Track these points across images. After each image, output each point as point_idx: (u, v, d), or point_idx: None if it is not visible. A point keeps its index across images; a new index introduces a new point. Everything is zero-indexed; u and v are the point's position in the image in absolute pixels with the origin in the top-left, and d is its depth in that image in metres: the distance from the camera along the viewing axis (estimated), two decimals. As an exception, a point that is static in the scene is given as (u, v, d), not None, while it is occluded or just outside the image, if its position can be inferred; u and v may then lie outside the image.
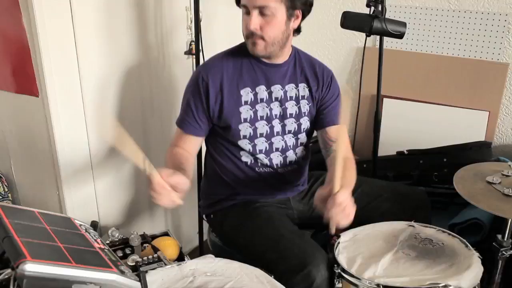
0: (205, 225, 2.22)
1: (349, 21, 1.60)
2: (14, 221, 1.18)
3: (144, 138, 2.17)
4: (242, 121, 1.64)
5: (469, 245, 1.43)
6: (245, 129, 1.64)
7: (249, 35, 1.54)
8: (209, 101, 1.61)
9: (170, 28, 2.18)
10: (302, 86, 1.71)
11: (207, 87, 1.60)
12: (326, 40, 2.80)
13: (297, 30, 1.63)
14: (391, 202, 1.70)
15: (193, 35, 2.15)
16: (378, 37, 2.57)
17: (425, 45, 2.52)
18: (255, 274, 1.36)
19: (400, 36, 1.63)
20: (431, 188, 2.30)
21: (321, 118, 1.75)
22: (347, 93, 1.62)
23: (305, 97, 1.72)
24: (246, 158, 1.70)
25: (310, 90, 1.72)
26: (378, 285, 1.26)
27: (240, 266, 1.40)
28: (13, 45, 1.75)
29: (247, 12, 1.52)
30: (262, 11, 1.49)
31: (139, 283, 1.19)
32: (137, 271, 1.30)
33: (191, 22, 2.21)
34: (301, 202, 1.81)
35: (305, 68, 1.72)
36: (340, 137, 1.48)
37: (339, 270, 1.36)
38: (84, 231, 1.36)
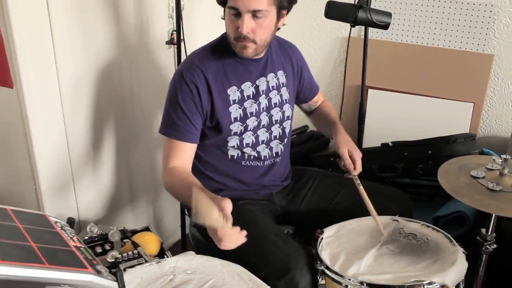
0: (187, 219, 2.20)
1: (333, 11, 1.56)
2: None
3: (126, 132, 2.12)
4: (233, 120, 1.59)
5: (453, 240, 1.41)
6: (236, 127, 1.60)
7: (239, 38, 1.47)
8: (202, 102, 1.55)
9: (150, 16, 2.12)
10: (280, 73, 1.69)
11: (197, 89, 1.54)
12: (310, 29, 2.76)
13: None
14: (375, 204, 1.65)
15: (175, 24, 2.10)
16: (363, 27, 2.55)
17: (410, 35, 2.50)
18: (236, 272, 1.34)
19: (385, 26, 1.59)
20: (415, 180, 2.29)
21: (304, 94, 1.83)
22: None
23: (285, 84, 1.70)
24: (233, 152, 1.66)
25: (287, 76, 1.71)
26: (361, 282, 1.25)
27: (221, 264, 1.37)
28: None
29: (236, 14, 1.45)
30: (254, 14, 1.43)
31: (116, 283, 1.16)
32: (115, 269, 1.26)
33: (173, 10, 2.15)
34: (285, 199, 1.79)
35: (279, 53, 1.71)
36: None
37: (323, 267, 1.34)
38: (60, 228, 1.31)
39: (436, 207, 2.08)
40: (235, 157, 1.66)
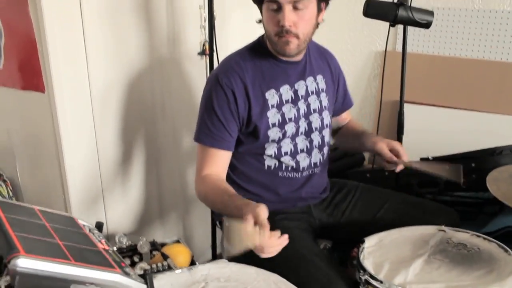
0: (219, 237, 2.12)
1: (373, 9, 1.50)
2: (11, 216, 1.08)
3: (155, 142, 2.07)
4: (271, 126, 1.52)
5: (509, 249, 1.29)
6: (274, 134, 1.52)
7: (280, 33, 1.41)
8: (238, 108, 1.48)
9: (182, 27, 2.10)
10: (320, 78, 1.63)
11: (234, 94, 1.47)
12: (343, 44, 2.71)
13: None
14: (420, 220, 1.54)
15: (207, 35, 2.07)
16: (399, 39, 2.48)
17: (447, 47, 2.41)
18: (272, 280, 1.25)
19: (427, 25, 1.52)
20: (456, 197, 2.16)
21: (336, 106, 1.74)
22: None
23: (324, 90, 1.63)
24: (269, 162, 1.57)
25: (326, 82, 1.65)
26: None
27: (256, 272, 1.28)
28: (20, 40, 1.68)
29: (276, 9, 1.39)
30: (295, 6, 1.37)
31: (145, 286, 1.09)
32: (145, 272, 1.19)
33: (205, 21, 2.13)
34: (324, 212, 1.69)
35: (317, 58, 1.65)
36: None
37: (366, 276, 1.24)
38: (88, 231, 1.26)
39: (481, 225, 1.94)
40: (272, 167, 1.57)
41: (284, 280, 1.24)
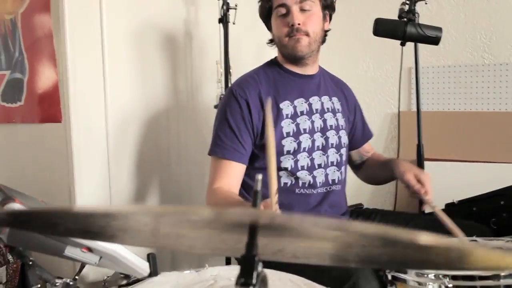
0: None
1: (382, 26, 1.54)
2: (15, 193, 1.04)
3: (168, 186, 2.04)
4: (285, 135, 1.50)
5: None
6: (288, 144, 1.50)
7: (291, 33, 1.47)
8: (253, 119, 1.48)
9: (200, 80, 2.18)
10: (335, 99, 1.64)
11: (248, 105, 1.48)
12: (358, 109, 2.74)
13: (323, 40, 1.59)
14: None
15: (223, 89, 2.14)
16: (413, 99, 2.51)
17: (462, 102, 2.42)
18: (289, 279, 1.13)
19: (436, 40, 1.54)
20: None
21: (355, 138, 1.73)
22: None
23: (340, 111, 1.62)
24: (286, 179, 1.51)
25: (342, 105, 1.65)
26: (446, 275, 1.01)
27: (270, 272, 1.16)
28: (43, 75, 1.75)
29: (285, 14, 1.48)
30: (302, 7, 1.47)
31: (147, 264, 1.00)
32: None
33: (221, 75, 2.21)
34: None
35: (332, 85, 1.68)
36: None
37: (393, 273, 1.11)
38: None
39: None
40: (288, 184, 1.51)
41: (301, 278, 1.12)
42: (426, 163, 2.41)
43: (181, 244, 0.80)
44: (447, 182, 2.39)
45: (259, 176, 0.61)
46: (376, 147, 2.67)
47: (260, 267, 0.60)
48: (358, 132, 1.77)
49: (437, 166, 2.43)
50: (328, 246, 0.75)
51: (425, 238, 0.51)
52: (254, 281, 0.59)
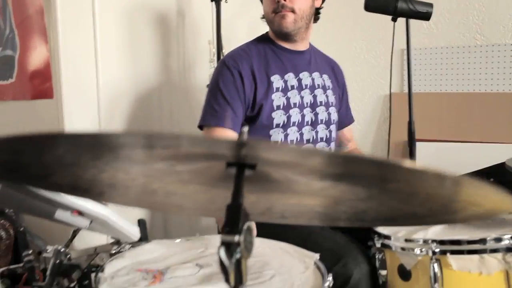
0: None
1: (373, 1, 1.54)
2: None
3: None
4: (275, 108, 1.50)
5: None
6: (278, 116, 1.51)
7: (277, 9, 1.47)
8: (245, 89, 1.48)
9: (192, 59, 2.17)
10: (326, 77, 1.65)
11: (240, 75, 1.48)
12: (352, 91, 2.73)
13: (316, 17, 1.59)
14: None
15: (216, 69, 2.13)
16: (405, 80, 2.52)
17: (455, 84, 2.43)
18: (278, 246, 1.15)
19: (427, 16, 1.55)
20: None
21: (340, 117, 1.72)
22: None
23: (331, 88, 1.63)
24: None
25: (332, 83, 1.66)
26: (434, 241, 1.03)
27: (261, 241, 1.18)
28: (34, 51, 1.74)
29: None
30: None
31: (137, 229, 1.00)
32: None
33: (214, 55, 2.20)
34: None
35: (323, 62, 1.68)
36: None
37: (382, 240, 1.13)
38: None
39: None
40: None
41: (292, 245, 1.14)
42: (417, 143, 2.43)
43: (170, 203, 0.81)
44: (438, 162, 2.41)
45: (245, 128, 0.61)
46: (369, 128, 2.70)
47: (246, 216, 0.60)
48: (342, 113, 1.77)
49: (428, 147, 2.44)
50: (316, 203, 0.76)
51: (411, 162, 0.51)
52: (239, 229, 0.59)
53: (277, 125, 1.50)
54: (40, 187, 0.74)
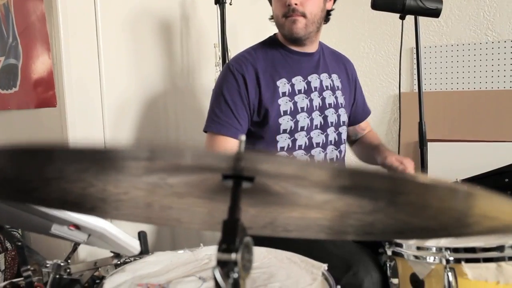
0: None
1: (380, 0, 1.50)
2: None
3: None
4: (282, 113, 1.47)
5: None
6: (285, 122, 1.47)
7: (287, 13, 1.42)
8: (249, 95, 1.45)
9: (198, 63, 2.14)
10: (335, 76, 1.61)
11: (244, 80, 1.45)
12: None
13: (327, 18, 1.54)
14: None
15: (221, 72, 2.10)
16: (415, 80, 2.47)
17: (466, 82, 2.37)
18: (285, 256, 1.11)
19: (437, 13, 1.49)
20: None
21: (356, 114, 1.71)
22: None
23: (340, 88, 1.59)
24: None
25: (342, 82, 1.61)
26: (448, 248, 0.98)
27: (267, 250, 1.14)
28: (38, 60, 1.72)
29: None
30: None
31: (137, 242, 0.97)
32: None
33: (219, 59, 2.17)
34: None
35: (332, 60, 1.64)
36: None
37: (393, 247, 1.08)
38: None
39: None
40: None
41: (298, 255, 1.10)
42: (429, 144, 2.37)
43: (167, 217, 0.77)
44: (450, 163, 2.35)
45: (243, 137, 0.57)
46: (379, 129, 2.63)
47: (243, 232, 0.56)
48: (359, 108, 1.74)
49: (440, 147, 2.39)
50: (320, 216, 0.72)
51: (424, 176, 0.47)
52: (236, 247, 0.55)
53: (284, 131, 1.46)
54: (26, 202, 0.71)
